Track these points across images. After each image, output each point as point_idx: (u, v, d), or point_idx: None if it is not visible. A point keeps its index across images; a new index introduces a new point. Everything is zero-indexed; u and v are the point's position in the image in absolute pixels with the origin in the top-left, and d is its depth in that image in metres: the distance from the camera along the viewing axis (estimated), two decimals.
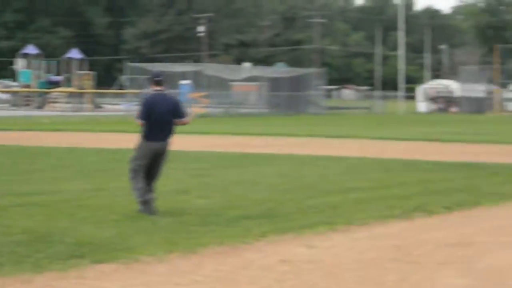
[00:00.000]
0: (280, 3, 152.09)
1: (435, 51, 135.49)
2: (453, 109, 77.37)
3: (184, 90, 55.11)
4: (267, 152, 24.65)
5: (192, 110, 30.21)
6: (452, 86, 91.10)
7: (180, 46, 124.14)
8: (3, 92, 68.07)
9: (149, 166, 11.98)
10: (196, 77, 59.52)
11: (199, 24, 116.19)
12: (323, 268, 8.87)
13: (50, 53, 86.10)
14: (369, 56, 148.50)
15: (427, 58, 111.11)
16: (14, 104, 63.56)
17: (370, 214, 12.36)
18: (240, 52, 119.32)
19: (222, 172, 18.37)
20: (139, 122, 11.99)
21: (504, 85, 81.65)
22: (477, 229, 11.57)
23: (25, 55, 67.63)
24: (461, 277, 8.61)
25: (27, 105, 61.94)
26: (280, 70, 77.67)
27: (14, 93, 66.20)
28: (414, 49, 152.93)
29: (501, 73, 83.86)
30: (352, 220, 11.87)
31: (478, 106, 76.29)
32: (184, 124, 12.38)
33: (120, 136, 30.93)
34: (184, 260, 9.02)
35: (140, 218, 11.49)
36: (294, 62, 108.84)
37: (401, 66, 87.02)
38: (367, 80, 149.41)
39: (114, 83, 73.99)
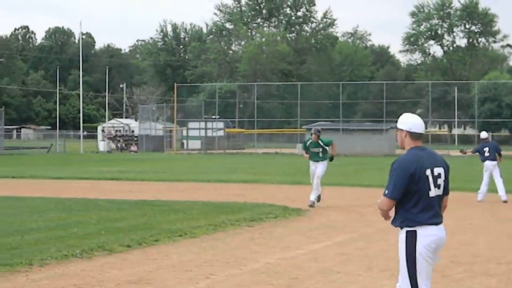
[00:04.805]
0: None
1: (115, 90, 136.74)
2: (133, 147, 78.38)
3: None
4: None
5: None
6: (132, 125, 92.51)
7: None
8: None
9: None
10: None
11: None
12: None
13: None
14: (48, 95, 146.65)
15: (107, 97, 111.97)
16: None
17: (50, 254, 12.22)
18: None
19: None
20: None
21: (182, 124, 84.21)
22: (156, 266, 11.83)
23: None
24: None
25: None
26: None
27: None
28: (94, 88, 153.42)
29: (180, 111, 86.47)
30: (32, 260, 11.68)
31: (158, 144, 77.95)
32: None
33: None
34: None
35: None
36: None
37: (81, 105, 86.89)
38: (47, 119, 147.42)
39: None
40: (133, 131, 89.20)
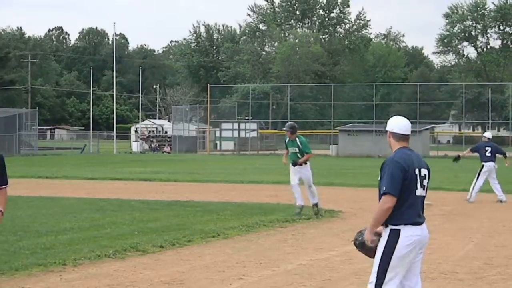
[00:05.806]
0: None
1: (149, 91, 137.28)
2: (166, 148, 78.63)
3: None
4: None
5: None
6: (165, 125, 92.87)
7: None
8: None
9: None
10: None
11: None
12: None
13: None
14: (82, 96, 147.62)
15: (140, 98, 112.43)
16: None
17: (83, 254, 12.28)
18: None
19: None
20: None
21: (216, 125, 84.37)
22: (189, 267, 11.84)
23: None
24: None
25: None
26: None
27: None
28: (128, 89, 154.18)
29: (213, 112, 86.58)
30: (66, 260, 11.74)
31: (191, 145, 78.13)
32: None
33: None
34: None
35: None
36: (6, 102, 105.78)
37: (114, 106, 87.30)
38: (80, 120, 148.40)
39: None
40: (166, 132, 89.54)
